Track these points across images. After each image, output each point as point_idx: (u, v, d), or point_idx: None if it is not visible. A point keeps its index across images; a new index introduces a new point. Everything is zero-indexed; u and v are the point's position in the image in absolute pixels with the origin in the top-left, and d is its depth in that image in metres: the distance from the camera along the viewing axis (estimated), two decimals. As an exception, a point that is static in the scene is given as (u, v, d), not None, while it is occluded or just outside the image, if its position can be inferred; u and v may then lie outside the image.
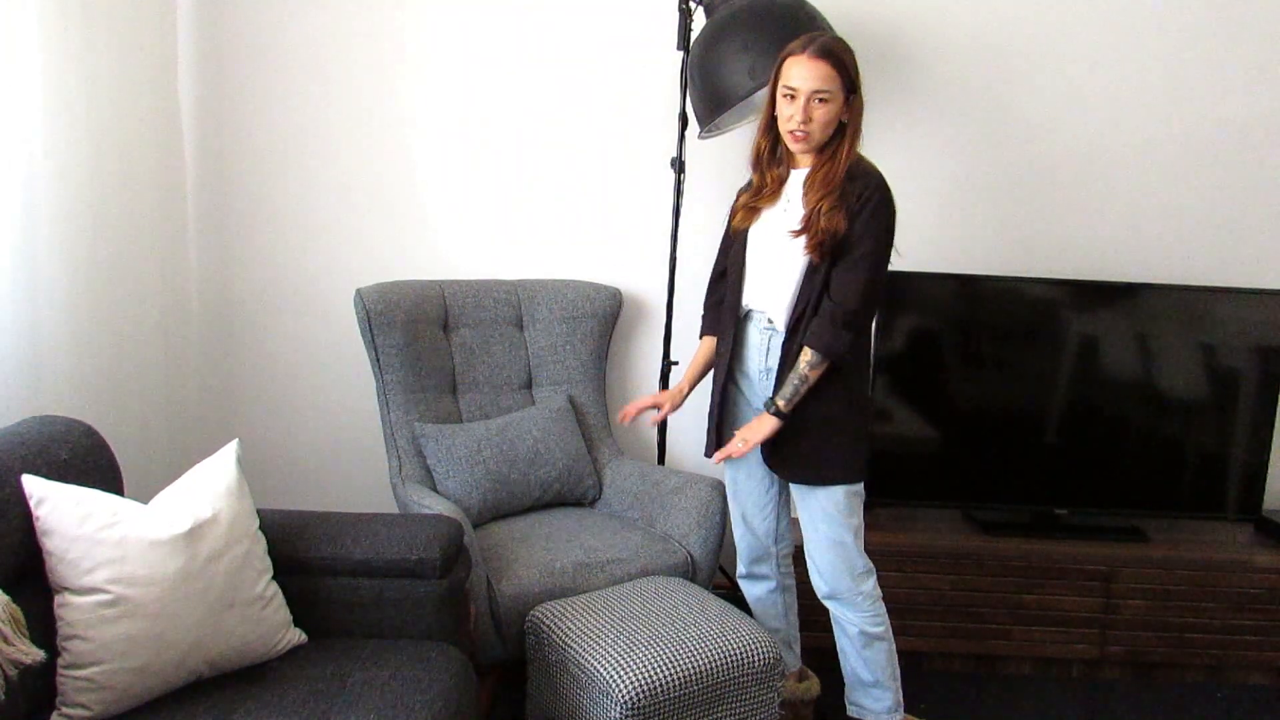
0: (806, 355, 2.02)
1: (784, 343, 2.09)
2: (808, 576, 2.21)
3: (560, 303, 2.87)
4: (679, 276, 2.83)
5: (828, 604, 2.21)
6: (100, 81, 2.36)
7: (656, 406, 2.36)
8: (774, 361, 2.12)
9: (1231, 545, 2.80)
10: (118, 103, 2.45)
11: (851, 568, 2.15)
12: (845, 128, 2.04)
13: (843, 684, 2.28)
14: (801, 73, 1.98)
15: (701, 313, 2.36)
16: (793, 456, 2.11)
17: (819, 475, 2.11)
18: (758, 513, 2.30)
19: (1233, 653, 2.73)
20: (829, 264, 2.02)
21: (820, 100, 1.98)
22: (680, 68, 2.68)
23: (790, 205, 2.09)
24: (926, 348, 2.81)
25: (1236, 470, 2.80)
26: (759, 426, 2.07)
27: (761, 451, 2.14)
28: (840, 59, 1.99)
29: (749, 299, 2.16)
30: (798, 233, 2.03)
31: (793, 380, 2.03)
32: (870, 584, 2.17)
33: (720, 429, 2.22)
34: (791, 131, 2.01)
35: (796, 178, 2.10)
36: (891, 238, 2.05)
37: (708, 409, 2.27)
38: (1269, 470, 2.82)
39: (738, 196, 2.22)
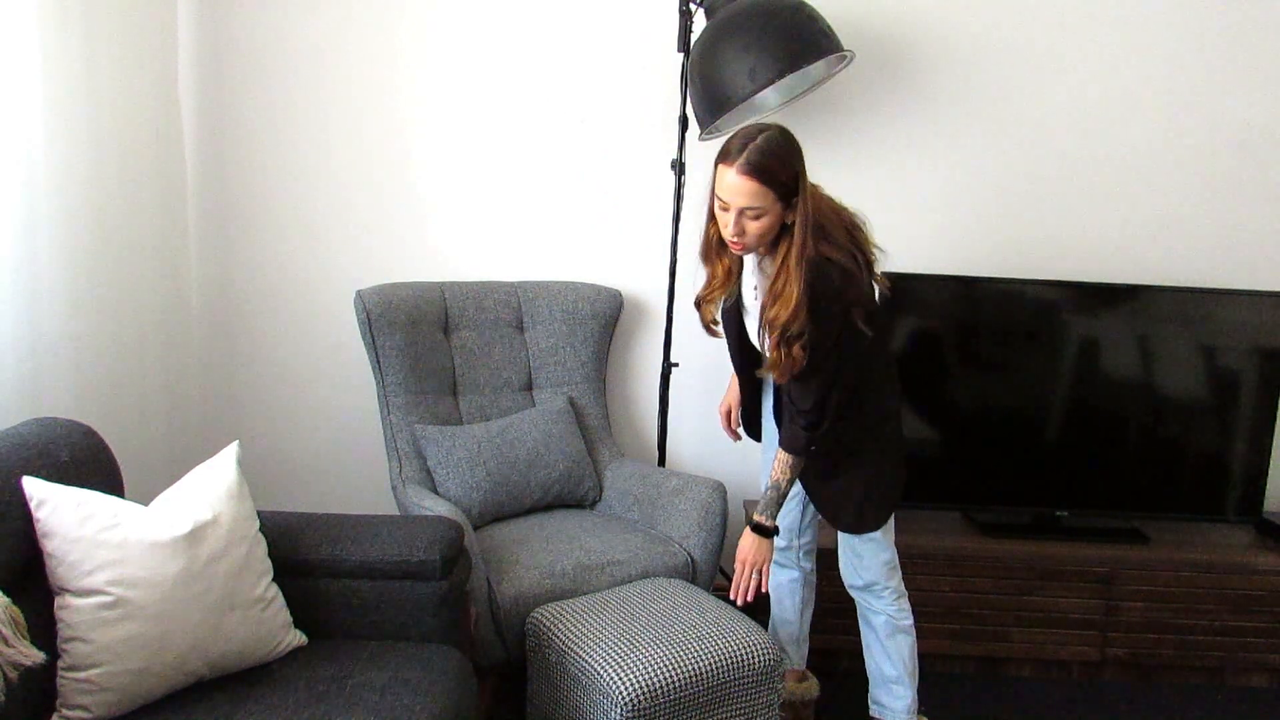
0: (778, 463, 2.05)
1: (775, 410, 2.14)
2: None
3: (561, 304, 2.86)
4: (679, 278, 2.83)
5: (857, 595, 2.24)
6: (100, 82, 2.36)
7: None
8: None
9: (1232, 547, 2.79)
10: (118, 103, 2.44)
11: (887, 560, 2.19)
12: (792, 230, 1.87)
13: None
14: (729, 186, 1.84)
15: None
16: (838, 513, 2.16)
17: (860, 526, 2.15)
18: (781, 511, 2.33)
19: (1233, 654, 2.73)
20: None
21: (752, 216, 1.85)
22: (681, 69, 2.68)
23: (760, 293, 1.99)
24: (927, 349, 2.81)
25: (1237, 472, 2.80)
26: (751, 548, 2.07)
27: (814, 502, 2.21)
28: (770, 173, 1.81)
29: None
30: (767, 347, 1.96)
31: (766, 493, 2.07)
32: (898, 579, 2.21)
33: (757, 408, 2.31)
34: (730, 240, 1.90)
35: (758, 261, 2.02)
36: (842, 321, 1.92)
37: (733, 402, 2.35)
38: (1269, 472, 2.82)
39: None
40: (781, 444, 2.05)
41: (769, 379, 2.18)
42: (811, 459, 2.06)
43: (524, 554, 2.38)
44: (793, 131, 1.93)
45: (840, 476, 2.13)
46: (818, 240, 1.88)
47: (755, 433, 2.36)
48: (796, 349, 1.89)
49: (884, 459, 2.16)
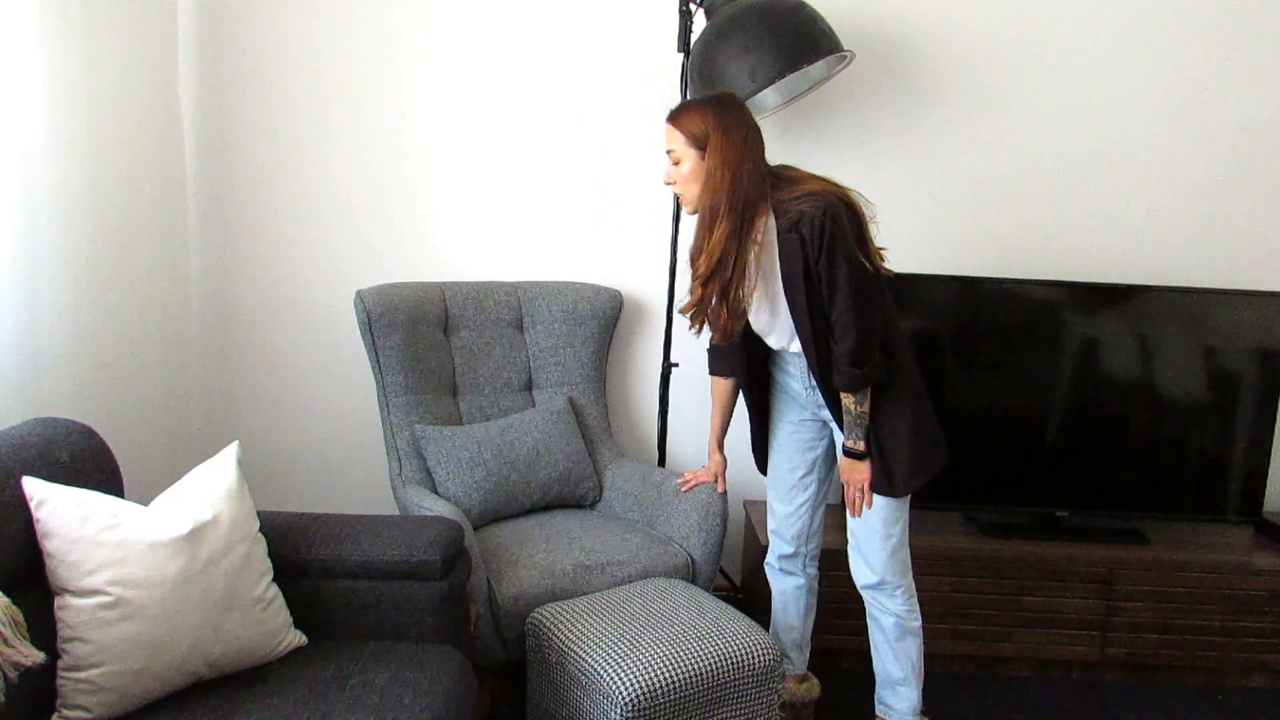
0: (845, 398, 2.08)
1: (817, 374, 2.10)
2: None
3: (561, 304, 2.86)
4: (679, 278, 2.83)
5: (868, 594, 2.23)
6: (100, 83, 2.36)
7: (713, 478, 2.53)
8: (814, 380, 2.14)
9: (1232, 547, 2.80)
10: (118, 104, 2.45)
11: (900, 560, 2.19)
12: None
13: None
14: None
15: (707, 349, 2.34)
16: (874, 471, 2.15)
17: (890, 486, 2.12)
18: (785, 516, 2.34)
19: (1233, 655, 2.73)
20: (803, 290, 2.00)
21: (673, 160, 2.04)
22: (681, 69, 2.68)
23: (769, 293, 2.09)
24: (927, 349, 2.81)
25: (1237, 472, 2.80)
26: (854, 470, 2.13)
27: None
28: (680, 119, 2.01)
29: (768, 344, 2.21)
30: None
31: (848, 420, 2.10)
32: (910, 579, 2.21)
33: (766, 435, 2.34)
34: (665, 182, 2.09)
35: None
36: (859, 248, 1.97)
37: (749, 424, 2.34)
38: (1269, 472, 2.82)
39: None
40: (842, 387, 2.06)
41: (782, 396, 2.28)
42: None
43: (524, 554, 2.38)
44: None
45: (876, 427, 2.11)
46: (782, 190, 1.99)
47: (764, 465, 2.38)
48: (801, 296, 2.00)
49: (917, 421, 2.12)
